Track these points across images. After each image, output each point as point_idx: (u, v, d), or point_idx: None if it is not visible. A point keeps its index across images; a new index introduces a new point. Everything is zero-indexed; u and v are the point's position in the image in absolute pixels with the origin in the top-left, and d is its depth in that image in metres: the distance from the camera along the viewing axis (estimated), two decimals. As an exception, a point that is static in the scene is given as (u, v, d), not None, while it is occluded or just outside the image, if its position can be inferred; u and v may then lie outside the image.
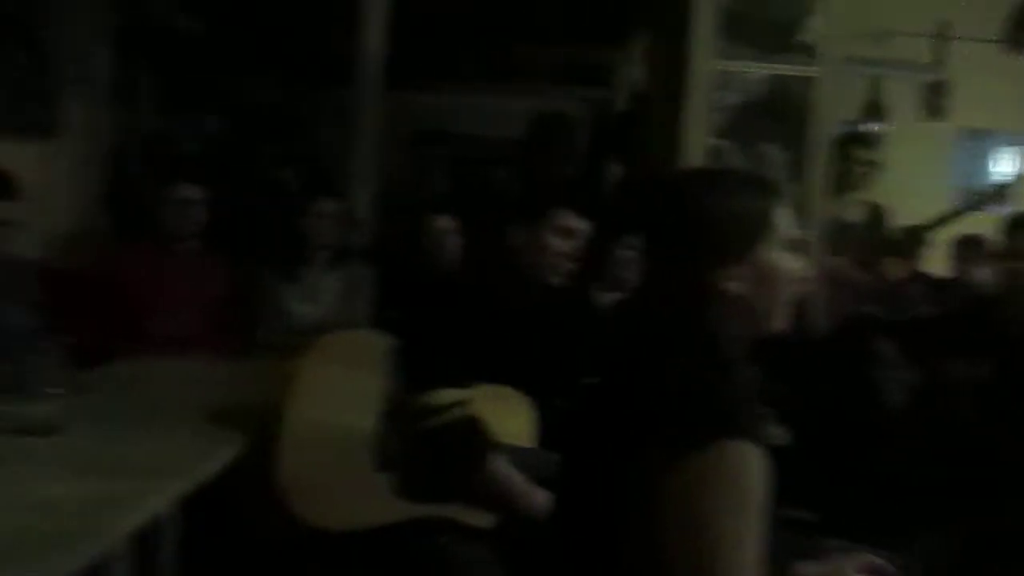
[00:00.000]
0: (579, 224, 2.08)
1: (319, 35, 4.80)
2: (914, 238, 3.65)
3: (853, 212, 3.66)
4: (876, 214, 3.72)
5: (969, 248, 3.67)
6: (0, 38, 2.99)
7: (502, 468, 1.83)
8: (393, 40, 3.74)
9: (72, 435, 1.85)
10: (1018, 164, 4.80)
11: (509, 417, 1.93)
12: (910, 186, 4.09)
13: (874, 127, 4.48)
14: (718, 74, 3.12)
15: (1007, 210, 3.36)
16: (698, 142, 3.10)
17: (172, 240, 3.11)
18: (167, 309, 2.90)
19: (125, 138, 4.20)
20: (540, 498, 1.82)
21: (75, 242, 3.50)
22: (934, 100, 4.71)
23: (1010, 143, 4.89)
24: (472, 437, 1.82)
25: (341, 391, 1.93)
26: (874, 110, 4.61)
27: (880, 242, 3.65)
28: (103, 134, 3.75)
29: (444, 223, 3.25)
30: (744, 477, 1.04)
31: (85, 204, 3.66)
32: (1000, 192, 3.92)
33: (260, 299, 3.14)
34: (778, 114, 3.18)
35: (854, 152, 3.62)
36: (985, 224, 3.34)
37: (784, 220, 1.22)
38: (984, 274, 3.32)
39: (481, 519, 1.87)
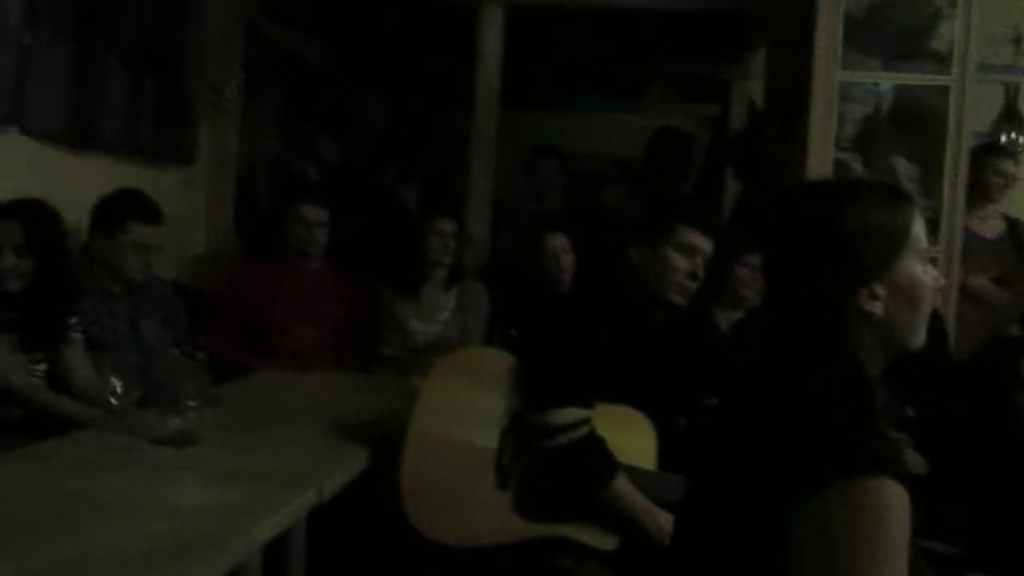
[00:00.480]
0: (702, 242, 2.03)
1: (435, 58, 4.91)
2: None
3: (989, 227, 3.48)
4: (1014, 229, 3.53)
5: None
6: (143, 71, 3.18)
7: (625, 488, 1.81)
8: (508, 61, 3.78)
9: (208, 446, 1.92)
10: None
11: (631, 437, 1.91)
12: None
13: (1011, 137, 4.25)
14: (843, 85, 3.02)
15: None
16: (822, 155, 3.01)
17: (298, 260, 3.22)
18: (294, 325, 3.00)
19: (252, 163, 4.39)
20: (662, 520, 1.79)
21: (209, 263, 3.68)
22: (1076, 108, 4.43)
23: None
24: (595, 457, 1.81)
25: (464, 407, 1.95)
26: (1011, 119, 4.37)
27: (1019, 259, 3.46)
28: (233, 160, 3.93)
29: (559, 241, 3.25)
30: (886, 515, 0.97)
31: (218, 227, 3.85)
32: None
33: (380, 316, 3.21)
34: (907, 125, 3.05)
35: (990, 164, 3.46)
36: None
37: (923, 231, 1.16)
38: None
39: (602, 540, 1.85)
